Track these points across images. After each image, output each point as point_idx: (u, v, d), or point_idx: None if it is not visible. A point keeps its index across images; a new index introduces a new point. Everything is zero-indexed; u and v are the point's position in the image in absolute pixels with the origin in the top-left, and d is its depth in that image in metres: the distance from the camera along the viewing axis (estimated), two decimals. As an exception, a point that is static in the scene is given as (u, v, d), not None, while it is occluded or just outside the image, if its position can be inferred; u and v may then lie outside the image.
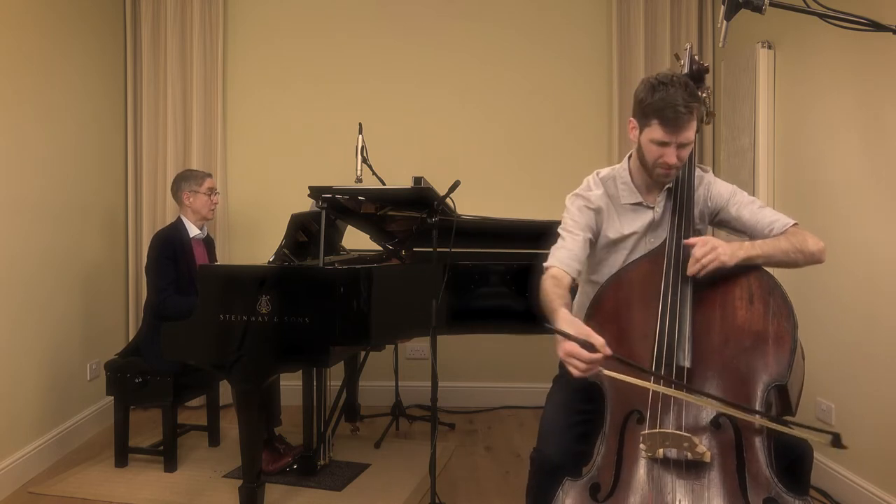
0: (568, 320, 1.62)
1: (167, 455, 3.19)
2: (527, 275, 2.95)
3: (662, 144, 1.82)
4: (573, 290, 2.00)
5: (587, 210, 1.98)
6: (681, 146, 1.82)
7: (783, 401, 1.65)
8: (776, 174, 3.31)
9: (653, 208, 1.97)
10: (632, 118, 1.90)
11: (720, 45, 1.63)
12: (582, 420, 1.83)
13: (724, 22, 1.60)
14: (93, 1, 3.82)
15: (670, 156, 1.82)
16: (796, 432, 1.54)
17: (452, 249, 2.74)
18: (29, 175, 3.19)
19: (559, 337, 1.55)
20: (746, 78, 3.45)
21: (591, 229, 1.97)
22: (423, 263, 2.97)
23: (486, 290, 3.14)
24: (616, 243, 1.99)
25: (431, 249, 2.70)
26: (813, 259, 1.82)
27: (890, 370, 2.55)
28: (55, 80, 3.43)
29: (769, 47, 3.30)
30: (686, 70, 2.04)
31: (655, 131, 1.81)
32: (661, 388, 1.58)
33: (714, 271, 1.69)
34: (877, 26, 1.50)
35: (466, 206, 2.96)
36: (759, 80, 3.31)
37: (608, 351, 1.52)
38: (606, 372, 1.55)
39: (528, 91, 4.25)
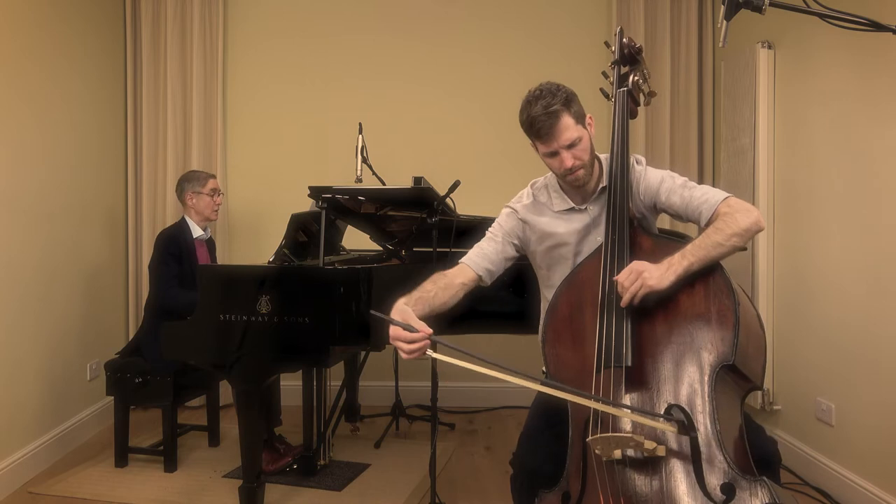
0: (399, 309, 1.71)
1: (167, 455, 3.19)
2: (527, 275, 2.95)
3: (552, 155, 1.88)
4: (493, 290, 2.11)
5: (513, 218, 2.05)
6: (569, 147, 1.86)
7: (739, 377, 1.63)
8: (776, 174, 3.31)
9: (585, 209, 1.98)
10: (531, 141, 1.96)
11: (720, 45, 1.63)
12: (559, 421, 1.81)
13: (724, 22, 1.59)
14: (93, 1, 3.83)
15: (566, 160, 1.87)
16: (657, 424, 1.52)
17: (452, 249, 2.74)
18: (29, 175, 3.19)
19: (389, 325, 1.64)
20: (746, 78, 3.45)
21: (515, 235, 2.03)
22: (423, 263, 2.97)
23: (487, 291, 3.13)
24: (557, 248, 2.01)
25: (431, 249, 2.70)
26: (751, 234, 1.75)
27: (890, 370, 2.55)
28: (55, 80, 3.43)
29: (769, 47, 3.30)
30: (617, 55, 1.98)
31: (540, 147, 1.90)
32: (490, 370, 1.57)
33: (648, 296, 1.63)
34: (877, 26, 1.50)
35: (466, 206, 2.96)
36: (759, 80, 3.31)
37: (428, 330, 1.61)
38: (432, 353, 1.61)
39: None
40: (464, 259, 2.00)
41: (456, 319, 3.01)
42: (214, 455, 3.44)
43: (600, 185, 1.96)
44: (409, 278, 3.00)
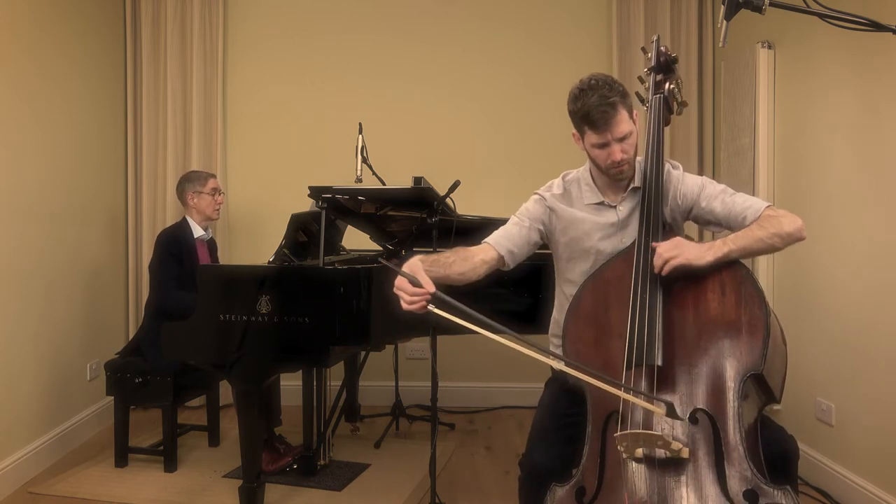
0: (410, 263, 1.75)
1: (167, 455, 3.19)
2: (526, 274, 2.95)
3: (603, 146, 1.87)
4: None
5: (541, 205, 2.04)
6: (620, 140, 1.86)
7: (763, 389, 1.65)
8: (776, 174, 3.31)
9: (615, 207, 1.97)
10: (573, 131, 1.95)
11: (720, 45, 1.63)
12: (570, 423, 1.82)
13: (724, 22, 1.59)
14: (93, 1, 3.83)
15: (615, 153, 1.86)
16: (627, 396, 1.56)
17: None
18: (29, 175, 3.19)
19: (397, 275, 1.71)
20: (746, 78, 3.45)
21: (541, 222, 2.03)
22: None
23: (486, 290, 3.13)
24: (579, 240, 1.99)
25: (431, 249, 2.70)
26: (792, 239, 1.79)
27: (890, 370, 2.55)
28: (55, 80, 3.43)
29: (769, 47, 3.30)
30: (653, 62, 2.00)
31: (591, 136, 1.88)
32: (522, 348, 1.58)
33: (681, 268, 1.68)
34: (877, 26, 1.50)
35: (466, 205, 2.96)
36: (759, 80, 3.31)
37: (432, 288, 1.66)
38: (434, 309, 1.64)
39: (529, 90, 4.25)
40: (487, 239, 2.00)
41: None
42: (214, 455, 3.44)
43: (632, 185, 1.96)
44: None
